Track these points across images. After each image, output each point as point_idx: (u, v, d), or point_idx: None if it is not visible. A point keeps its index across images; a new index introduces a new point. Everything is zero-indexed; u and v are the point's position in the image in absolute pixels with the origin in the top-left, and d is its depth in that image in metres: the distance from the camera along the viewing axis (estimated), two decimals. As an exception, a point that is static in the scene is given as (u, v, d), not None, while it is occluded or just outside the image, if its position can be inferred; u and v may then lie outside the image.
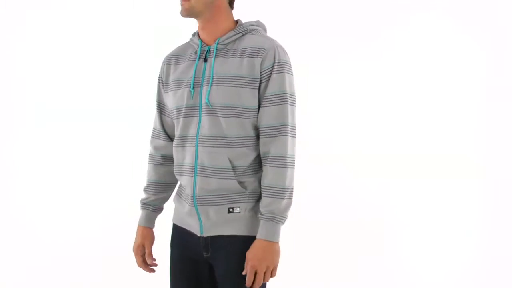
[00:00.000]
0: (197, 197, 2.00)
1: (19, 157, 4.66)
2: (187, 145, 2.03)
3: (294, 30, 4.22)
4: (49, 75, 4.69)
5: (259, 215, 1.89)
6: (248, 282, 1.87)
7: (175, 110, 2.08)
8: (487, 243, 4.48)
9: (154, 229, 2.38)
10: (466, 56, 4.72)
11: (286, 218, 1.94)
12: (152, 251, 2.33)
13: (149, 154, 2.32)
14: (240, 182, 1.92)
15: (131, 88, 4.71)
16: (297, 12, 4.66)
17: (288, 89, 1.97)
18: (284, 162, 1.92)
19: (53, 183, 4.66)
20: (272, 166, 1.87)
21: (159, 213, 2.37)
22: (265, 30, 2.11)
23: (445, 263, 4.01)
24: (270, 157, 1.90)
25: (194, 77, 2.05)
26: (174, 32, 5.46)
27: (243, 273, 1.92)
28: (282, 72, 1.96)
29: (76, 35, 4.68)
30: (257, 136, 1.97)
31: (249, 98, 1.90)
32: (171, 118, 2.16)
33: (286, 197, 1.92)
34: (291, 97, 1.97)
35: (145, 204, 2.31)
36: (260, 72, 1.95)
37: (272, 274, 1.94)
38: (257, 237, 1.93)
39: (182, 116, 2.03)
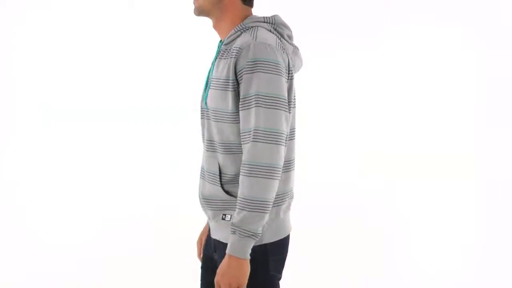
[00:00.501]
0: (200, 199, 1.98)
1: (24, 156, 4.66)
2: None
3: (294, 30, 4.22)
4: (54, 75, 4.69)
5: None
6: None
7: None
8: (485, 239, 4.47)
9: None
10: (463, 58, 4.70)
11: (249, 232, 1.67)
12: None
13: None
14: (226, 191, 1.83)
15: (132, 88, 4.69)
16: (297, 12, 4.65)
17: (258, 90, 1.70)
18: (249, 171, 1.67)
19: (58, 181, 4.66)
20: (241, 174, 1.69)
21: None
22: (274, 25, 1.93)
23: (445, 259, 4.02)
24: (242, 165, 1.73)
25: (207, 79, 2.01)
26: (175, 32, 5.47)
27: None
28: (253, 72, 1.71)
29: (80, 37, 4.68)
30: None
31: (224, 100, 1.76)
32: None
33: (248, 209, 1.67)
34: (263, 98, 1.70)
35: None
36: (236, 74, 1.75)
37: None
38: None
39: (200, 118, 1.99)
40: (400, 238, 4.30)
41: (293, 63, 1.89)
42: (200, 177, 1.93)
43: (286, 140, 1.79)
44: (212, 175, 1.85)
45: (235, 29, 1.86)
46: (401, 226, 4.45)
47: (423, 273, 3.66)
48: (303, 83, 2.44)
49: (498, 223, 4.48)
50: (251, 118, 1.72)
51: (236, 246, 1.67)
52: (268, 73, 1.73)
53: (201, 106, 1.92)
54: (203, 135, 1.94)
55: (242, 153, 1.79)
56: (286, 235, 1.87)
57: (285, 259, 1.91)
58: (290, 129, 1.87)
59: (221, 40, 1.93)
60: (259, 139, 1.70)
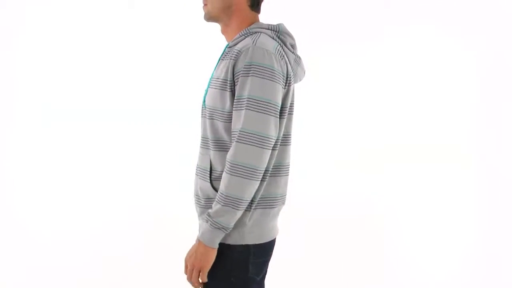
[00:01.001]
0: (194, 196, 2.04)
1: (25, 156, 4.67)
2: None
3: (294, 29, 4.23)
4: (54, 75, 4.69)
5: None
6: (184, 271, 1.88)
7: None
8: (482, 234, 4.49)
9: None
10: (459, 56, 4.71)
11: (220, 224, 1.77)
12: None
13: None
14: (214, 187, 1.89)
15: (133, 88, 4.70)
16: (297, 12, 4.66)
17: (251, 93, 1.76)
18: (230, 168, 1.75)
19: (58, 181, 4.66)
20: (224, 171, 1.78)
21: None
22: (277, 33, 1.92)
23: (445, 258, 4.03)
24: (226, 161, 1.80)
25: (210, 79, 2.06)
26: (175, 33, 5.48)
27: None
28: (247, 76, 1.77)
29: (81, 37, 4.68)
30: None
31: (221, 100, 1.83)
32: None
33: (222, 203, 1.76)
34: (254, 102, 1.76)
35: None
36: (234, 75, 1.81)
37: (201, 277, 1.83)
38: None
39: (201, 116, 2.05)
40: (400, 238, 4.30)
41: (294, 72, 1.94)
42: (195, 174, 1.99)
43: (276, 144, 1.86)
44: (204, 171, 1.91)
45: (240, 33, 1.92)
46: (401, 226, 4.46)
47: (423, 273, 3.67)
48: (303, 83, 2.45)
49: (496, 220, 4.49)
50: (240, 119, 1.78)
51: (206, 234, 1.77)
52: (262, 78, 1.78)
53: (202, 105, 1.96)
54: (201, 134, 1.98)
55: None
56: (271, 239, 1.93)
57: (267, 262, 1.96)
58: (285, 135, 1.92)
59: (227, 44, 1.98)
60: (244, 140, 1.76)
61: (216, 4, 1.92)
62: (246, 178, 1.75)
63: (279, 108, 1.82)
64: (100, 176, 4.72)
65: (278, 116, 1.81)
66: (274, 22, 2.00)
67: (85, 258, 3.76)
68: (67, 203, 4.62)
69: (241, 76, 1.78)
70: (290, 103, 1.90)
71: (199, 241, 1.80)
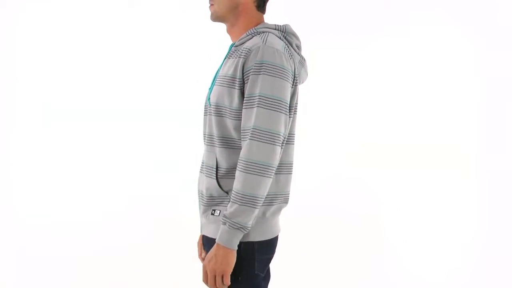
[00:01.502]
0: (198, 193, 2.05)
1: (25, 156, 4.67)
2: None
3: (295, 29, 4.22)
4: (54, 75, 4.69)
5: None
6: (203, 279, 1.84)
7: None
8: (482, 234, 4.49)
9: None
10: (463, 59, 4.71)
11: (239, 225, 1.76)
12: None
13: None
14: (220, 184, 1.90)
15: (133, 88, 4.70)
16: (297, 12, 4.66)
17: (262, 91, 1.78)
18: (244, 167, 1.75)
19: (58, 181, 4.66)
20: (237, 170, 1.78)
21: None
22: (284, 33, 1.95)
23: (445, 259, 4.03)
24: (239, 160, 1.80)
25: (214, 78, 2.08)
26: (175, 33, 5.48)
27: None
28: (259, 74, 1.80)
29: (81, 37, 4.68)
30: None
31: (229, 97, 1.84)
32: None
33: (239, 203, 1.75)
34: (265, 100, 1.78)
35: None
36: (243, 73, 1.83)
37: (224, 281, 1.80)
38: None
39: (203, 115, 2.07)
40: (400, 238, 4.31)
41: (298, 72, 1.96)
42: (200, 171, 2.01)
43: (283, 142, 1.88)
44: (210, 168, 1.92)
45: (247, 32, 1.95)
46: (402, 226, 4.46)
47: (423, 272, 3.67)
48: (306, 82, 2.46)
49: (497, 220, 4.49)
50: (252, 117, 1.79)
51: (225, 236, 1.75)
52: (273, 76, 1.81)
53: (205, 103, 1.97)
54: (204, 132, 2.01)
55: (238, 148, 1.87)
56: (274, 236, 1.94)
57: (271, 259, 1.97)
58: (289, 134, 1.95)
59: (232, 43, 1.99)
60: (257, 138, 1.78)
61: (223, 4, 1.95)
62: (261, 176, 1.76)
63: (289, 106, 1.85)
64: (100, 176, 4.72)
65: (288, 114, 1.85)
66: (273, 22, 2.02)
67: (86, 258, 3.76)
68: (67, 203, 4.62)
69: (252, 74, 1.80)
70: (296, 103, 1.92)
71: (217, 244, 1.77)
